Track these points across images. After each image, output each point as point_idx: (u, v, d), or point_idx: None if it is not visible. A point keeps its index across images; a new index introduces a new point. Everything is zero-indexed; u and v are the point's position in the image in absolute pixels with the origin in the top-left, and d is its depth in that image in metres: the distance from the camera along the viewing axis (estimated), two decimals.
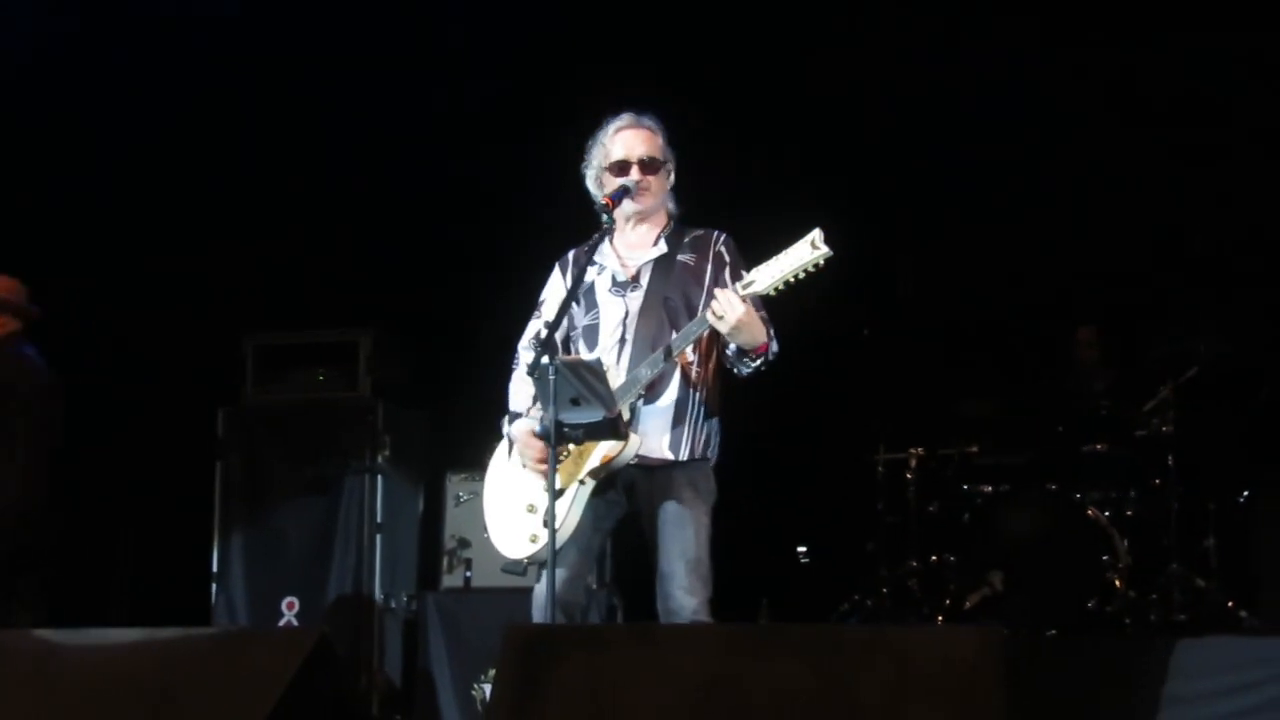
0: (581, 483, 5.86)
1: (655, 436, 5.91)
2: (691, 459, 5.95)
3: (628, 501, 6.01)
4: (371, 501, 8.72)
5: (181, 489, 9.38)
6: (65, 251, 9.73)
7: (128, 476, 9.72)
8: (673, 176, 6.19)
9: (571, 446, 5.86)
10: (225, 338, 9.26)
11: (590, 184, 6.15)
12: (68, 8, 9.72)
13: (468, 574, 8.70)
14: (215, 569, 8.84)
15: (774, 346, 5.88)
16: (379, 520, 8.72)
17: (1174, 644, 7.03)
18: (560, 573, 5.77)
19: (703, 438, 5.99)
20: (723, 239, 6.12)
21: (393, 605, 8.71)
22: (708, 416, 6.02)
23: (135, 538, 9.81)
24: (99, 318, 9.81)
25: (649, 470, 5.93)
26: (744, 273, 5.81)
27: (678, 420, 5.94)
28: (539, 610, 5.79)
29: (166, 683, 5.31)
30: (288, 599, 8.67)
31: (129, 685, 5.35)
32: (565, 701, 4.80)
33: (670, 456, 5.92)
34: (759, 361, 5.82)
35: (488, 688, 7.74)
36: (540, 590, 5.76)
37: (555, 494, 5.57)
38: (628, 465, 5.89)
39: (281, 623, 8.62)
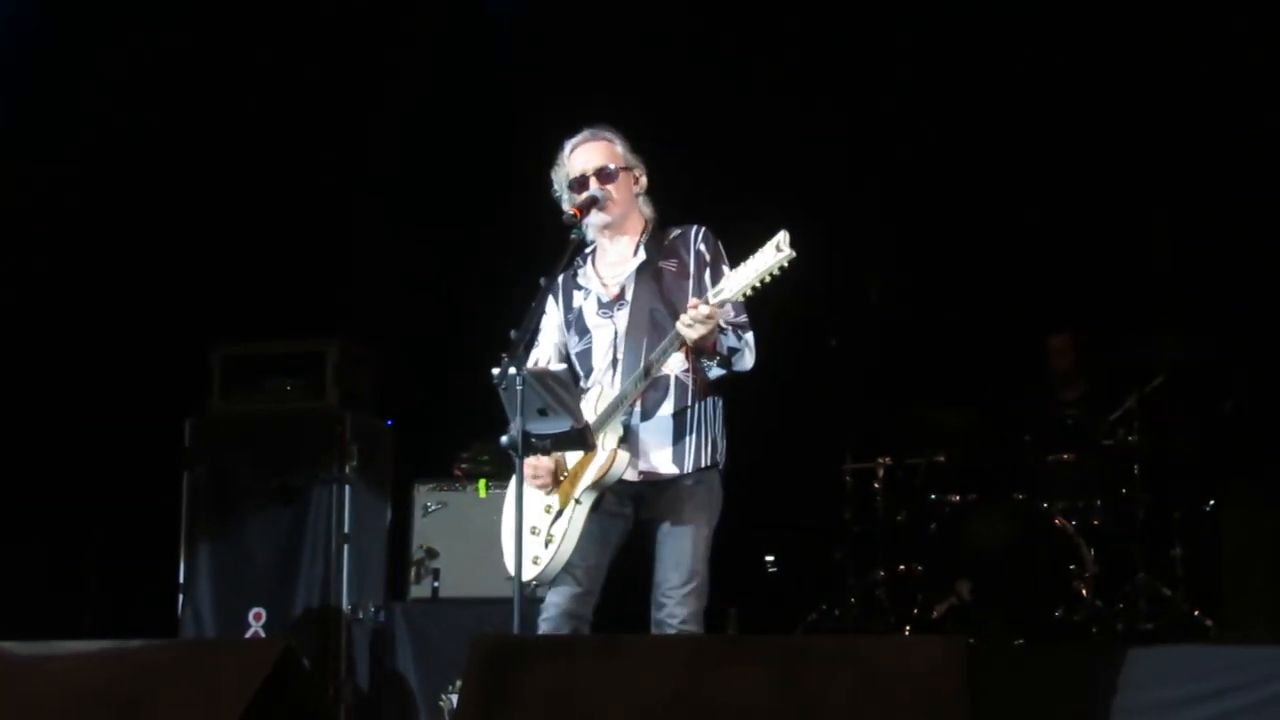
0: (577, 502, 5.88)
1: (657, 452, 5.94)
2: (698, 469, 5.97)
3: (634, 514, 6.01)
4: (339, 512, 8.68)
5: (148, 500, 9.34)
6: (30, 259, 9.70)
7: (94, 487, 9.68)
8: (644, 181, 6.19)
9: (568, 468, 5.90)
10: (192, 348, 9.23)
11: (565, 208, 6.12)
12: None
13: (435, 584, 8.69)
14: (182, 580, 8.79)
15: (748, 359, 5.91)
16: (346, 531, 8.68)
17: (1141, 653, 7.05)
18: (570, 589, 5.90)
19: (708, 444, 6.01)
20: (701, 234, 6.12)
21: (360, 616, 8.68)
22: (711, 422, 6.04)
23: (102, 549, 9.76)
24: (65, 327, 9.77)
25: (655, 485, 5.95)
26: (725, 269, 5.86)
27: (678, 432, 5.96)
28: (548, 624, 5.84)
29: (134, 694, 5.29)
30: (255, 610, 8.64)
31: (96, 697, 5.33)
32: (531, 712, 4.80)
33: (675, 470, 5.95)
34: (715, 360, 5.83)
35: (455, 698, 7.73)
36: (551, 602, 5.82)
37: (522, 506, 5.59)
38: (633, 481, 5.92)
39: (248, 634, 8.58)
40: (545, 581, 5.89)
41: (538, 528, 5.89)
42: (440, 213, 9.96)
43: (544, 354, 6.12)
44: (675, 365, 5.93)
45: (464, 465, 8.72)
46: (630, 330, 6.00)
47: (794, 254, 5.50)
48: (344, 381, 8.99)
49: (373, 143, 9.97)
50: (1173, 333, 8.82)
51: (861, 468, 9.53)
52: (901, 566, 9.24)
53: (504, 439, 5.83)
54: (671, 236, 6.15)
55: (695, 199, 6.70)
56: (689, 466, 5.95)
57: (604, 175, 6.07)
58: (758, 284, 5.57)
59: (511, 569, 6.01)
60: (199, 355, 9.13)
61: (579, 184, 6.08)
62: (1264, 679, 6.65)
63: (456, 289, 9.76)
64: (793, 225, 5.57)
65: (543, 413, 5.61)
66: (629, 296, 6.06)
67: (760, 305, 5.70)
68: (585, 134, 6.18)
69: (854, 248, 9.65)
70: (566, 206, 6.08)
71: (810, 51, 9.80)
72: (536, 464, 5.88)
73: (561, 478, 5.93)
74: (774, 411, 9.15)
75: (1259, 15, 9.11)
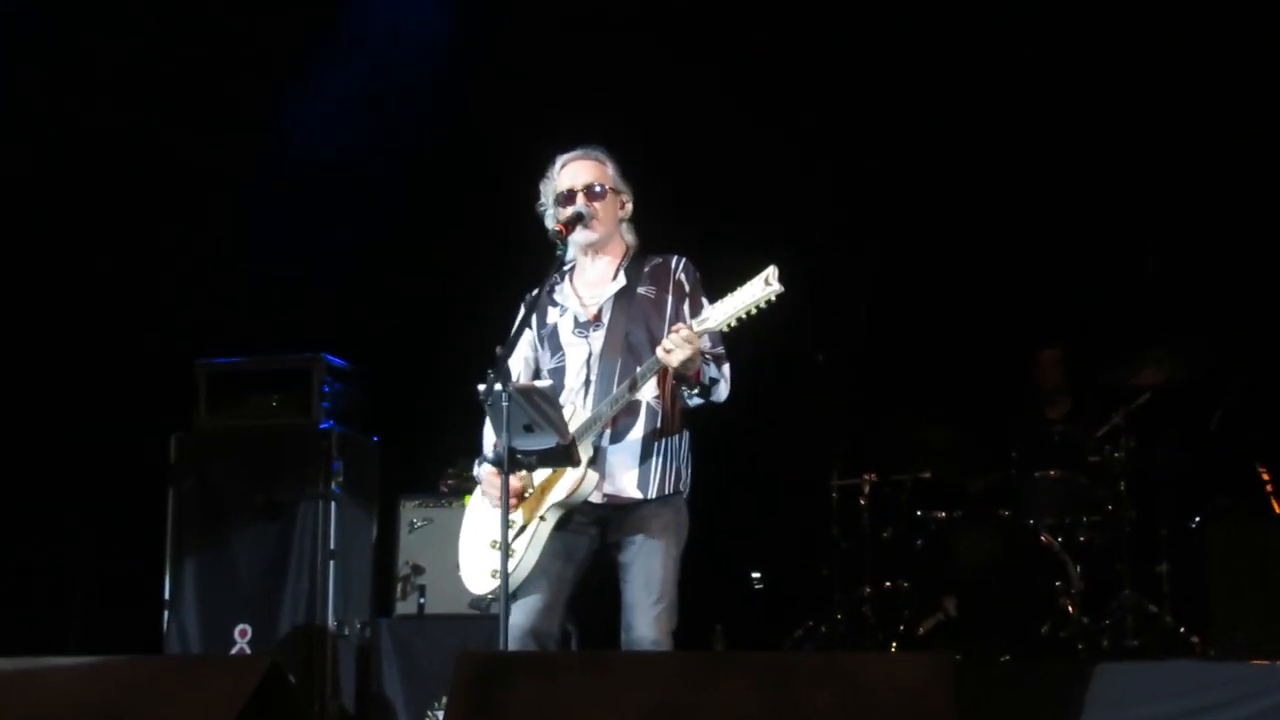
0: (542, 519, 5.87)
1: (622, 475, 5.93)
2: (661, 495, 5.96)
3: (600, 535, 6.00)
4: (325, 528, 8.67)
5: (134, 515, 9.33)
6: (17, 275, 9.69)
7: (80, 502, 9.67)
8: (629, 207, 6.20)
9: (534, 484, 5.89)
10: (178, 363, 9.22)
11: (549, 223, 6.14)
12: None
13: (421, 600, 8.68)
14: (167, 596, 8.78)
15: (724, 391, 5.91)
16: (332, 547, 8.66)
17: (1126, 670, 7.07)
18: (532, 603, 5.87)
19: (673, 472, 6.00)
20: (682, 265, 6.13)
21: (346, 632, 8.67)
22: (677, 451, 6.03)
23: (87, 564, 9.75)
24: (52, 342, 9.76)
25: (620, 508, 5.94)
26: (704, 302, 5.85)
27: (645, 457, 5.95)
28: (514, 642, 5.80)
29: (119, 711, 5.28)
30: (240, 626, 8.62)
31: (81, 713, 5.32)
32: None
33: (639, 495, 5.94)
34: (697, 389, 5.83)
35: (441, 714, 7.72)
36: (514, 622, 5.77)
37: (508, 524, 5.57)
38: (598, 504, 5.91)
39: (234, 650, 8.56)
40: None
41: (499, 542, 5.85)
42: (424, 229, 9.96)
43: (514, 368, 6.10)
44: (648, 391, 5.94)
45: (450, 481, 8.72)
46: (605, 352, 6.01)
47: (782, 289, 5.51)
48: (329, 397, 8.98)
49: (359, 158, 9.95)
50: (1160, 350, 8.83)
51: (848, 484, 9.53)
52: (888, 583, 9.23)
53: (490, 455, 5.84)
54: (652, 264, 6.16)
55: (681, 215, 6.72)
56: (653, 492, 5.95)
57: (591, 193, 6.08)
58: (743, 315, 5.59)
59: (470, 586, 6.04)
60: (185, 371, 9.12)
61: (565, 198, 6.09)
62: (1250, 695, 6.67)
63: (441, 304, 9.76)
64: (779, 240, 5.59)
65: (528, 429, 5.61)
66: (605, 319, 6.07)
67: (747, 321, 5.69)
68: (578, 151, 6.20)
69: (841, 264, 9.65)
70: (550, 222, 6.10)
71: (794, 69, 9.81)
72: (500, 484, 5.84)
73: (527, 494, 5.92)
74: (761, 427, 9.16)
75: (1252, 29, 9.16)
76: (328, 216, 9.95)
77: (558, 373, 6.07)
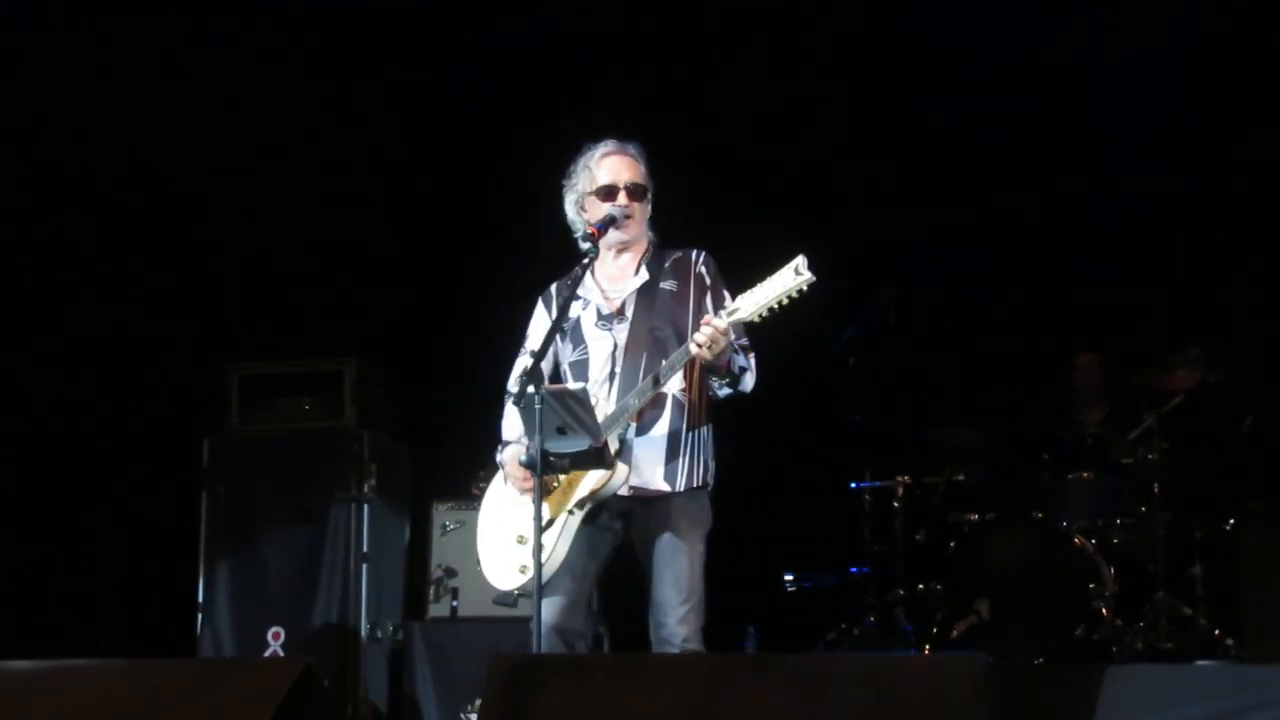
0: (570, 513, 5.85)
1: (649, 468, 5.91)
2: (689, 488, 5.94)
3: (624, 529, 5.99)
4: (357, 531, 8.69)
5: (167, 519, 9.35)
6: (49, 278, 9.71)
7: (113, 507, 9.69)
8: (650, 205, 6.18)
9: (561, 477, 5.87)
10: (210, 367, 9.24)
11: (570, 209, 6.13)
12: None
13: (454, 603, 8.68)
14: (201, 599, 8.80)
15: (750, 381, 5.91)
16: (365, 550, 8.68)
17: (1160, 672, 7.04)
18: (557, 601, 5.83)
19: (700, 465, 5.97)
20: (702, 258, 6.11)
21: (379, 635, 8.68)
22: (703, 444, 6.00)
23: (120, 568, 9.77)
24: (84, 347, 9.78)
25: (645, 501, 5.92)
26: (726, 295, 5.84)
27: (672, 450, 5.93)
28: (541, 640, 5.79)
29: (152, 714, 5.30)
30: (273, 629, 8.64)
31: (114, 716, 5.34)
32: None
33: (666, 488, 5.91)
34: (727, 379, 5.82)
35: (475, 717, 7.72)
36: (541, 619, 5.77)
37: (541, 525, 5.56)
38: (623, 496, 5.90)
39: (267, 653, 8.58)
40: (528, 593, 5.80)
41: (525, 537, 5.83)
42: (456, 230, 9.96)
43: (528, 361, 6.07)
44: (674, 384, 5.92)
45: (482, 484, 8.69)
46: (630, 345, 5.98)
47: (813, 278, 5.48)
48: (361, 400, 9.00)
49: (387, 162, 9.96)
50: (1192, 352, 8.81)
51: (880, 486, 9.51)
52: (920, 585, 9.22)
53: (522, 457, 5.84)
54: (673, 258, 6.14)
55: (712, 212, 6.69)
56: (680, 485, 5.92)
57: (634, 191, 6.06)
58: (774, 306, 5.56)
59: (495, 582, 6.02)
60: (217, 375, 9.15)
61: (607, 193, 6.04)
62: None
63: (473, 307, 9.75)
64: (814, 243, 5.56)
65: (561, 431, 5.61)
66: (629, 313, 6.04)
67: (778, 323, 5.67)
68: (615, 145, 6.14)
69: (874, 265, 9.62)
70: (576, 215, 6.09)
71: (828, 61, 9.78)
72: (529, 477, 5.82)
73: (554, 486, 5.90)
74: (792, 430, 9.15)
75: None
76: (358, 220, 9.96)
77: (580, 365, 6.05)
